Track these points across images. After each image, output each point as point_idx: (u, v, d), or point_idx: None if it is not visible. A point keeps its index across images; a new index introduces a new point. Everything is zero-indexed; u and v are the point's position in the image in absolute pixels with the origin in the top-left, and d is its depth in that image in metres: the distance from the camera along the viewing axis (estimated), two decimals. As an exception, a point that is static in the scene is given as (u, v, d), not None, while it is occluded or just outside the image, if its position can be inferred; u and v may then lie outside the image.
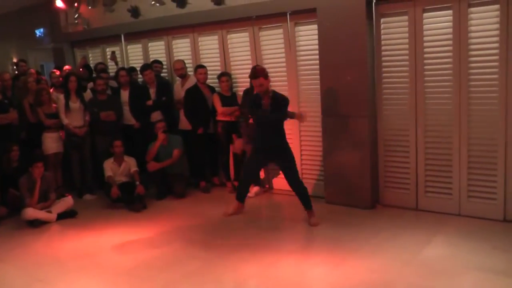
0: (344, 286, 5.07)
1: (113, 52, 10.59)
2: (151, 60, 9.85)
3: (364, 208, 7.37)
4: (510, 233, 6.23)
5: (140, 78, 9.84)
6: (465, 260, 5.47)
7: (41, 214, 7.59)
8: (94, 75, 10.01)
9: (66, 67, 10.42)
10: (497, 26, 6.29)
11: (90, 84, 9.63)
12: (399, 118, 7.23)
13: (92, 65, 10.80)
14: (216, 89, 8.82)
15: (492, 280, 5.00)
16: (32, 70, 9.99)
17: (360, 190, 7.45)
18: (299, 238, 6.66)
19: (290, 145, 8.36)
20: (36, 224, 7.47)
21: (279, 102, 6.90)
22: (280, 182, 8.63)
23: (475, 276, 5.09)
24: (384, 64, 7.24)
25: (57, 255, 6.39)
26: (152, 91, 9.12)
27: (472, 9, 6.44)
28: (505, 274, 5.11)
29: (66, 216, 7.80)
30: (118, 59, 10.54)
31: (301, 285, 5.19)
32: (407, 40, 6.97)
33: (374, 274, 5.26)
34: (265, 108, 6.90)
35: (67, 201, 7.95)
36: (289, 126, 8.26)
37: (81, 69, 10.36)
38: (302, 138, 8.23)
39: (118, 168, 8.49)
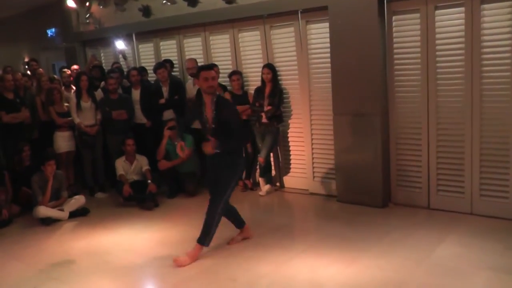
0: (355, 285, 5.05)
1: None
2: (163, 59, 9.84)
3: (376, 207, 7.34)
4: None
5: (150, 78, 9.88)
6: (477, 260, 5.43)
7: (53, 212, 7.64)
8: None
9: (74, 66, 10.47)
10: (509, 23, 6.25)
11: (102, 83, 9.67)
12: (411, 116, 7.20)
13: (103, 65, 10.87)
14: (228, 87, 8.82)
15: (504, 280, 4.97)
16: (41, 70, 10.02)
17: (372, 189, 7.42)
18: (311, 236, 6.64)
19: (301, 144, 8.40)
20: (48, 222, 7.52)
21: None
22: (291, 180, 8.65)
23: (487, 275, 5.06)
24: (396, 61, 7.20)
25: (70, 253, 6.42)
26: (165, 90, 9.14)
27: (485, 6, 6.39)
28: (518, 273, 5.09)
29: (78, 214, 7.85)
30: (130, 58, 10.60)
31: (313, 284, 5.16)
32: (419, 38, 6.93)
33: (386, 274, 5.24)
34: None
35: (79, 200, 8.00)
36: (300, 125, 8.27)
37: (91, 68, 10.40)
38: (313, 136, 8.21)
39: (130, 167, 8.53)
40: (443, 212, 7.00)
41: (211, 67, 5.92)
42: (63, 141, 8.79)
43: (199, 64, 9.17)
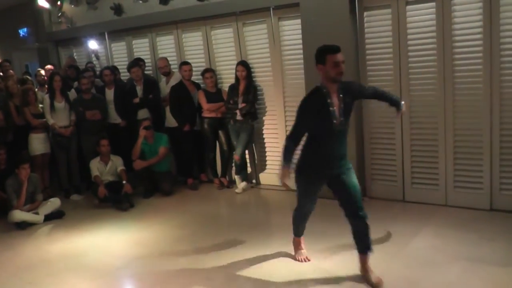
0: (332, 279, 5.10)
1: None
2: (135, 58, 9.77)
3: (352, 201, 7.38)
4: (497, 222, 6.28)
5: (123, 77, 9.82)
6: (452, 251, 5.50)
7: (28, 216, 7.56)
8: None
9: (48, 66, 10.36)
10: (480, 17, 6.32)
11: (75, 84, 9.59)
12: (384, 110, 7.21)
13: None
14: (201, 85, 8.81)
15: (479, 269, 5.04)
16: (11, 72, 9.88)
17: (347, 184, 7.45)
18: (288, 233, 6.61)
19: (276, 140, 8.41)
20: (24, 226, 7.44)
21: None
22: (267, 177, 8.65)
23: (462, 266, 5.12)
24: (368, 57, 7.24)
25: (46, 257, 6.37)
26: (139, 89, 9.08)
27: (455, 1, 6.46)
28: (492, 263, 5.15)
29: (54, 217, 7.77)
30: (102, 58, 10.54)
31: (290, 279, 5.19)
32: (391, 33, 6.98)
33: (362, 267, 5.29)
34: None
35: (54, 202, 7.93)
36: (275, 121, 8.29)
37: (67, 69, 10.30)
38: (288, 132, 8.19)
39: (105, 167, 8.47)
40: (418, 205, 7.06)
41: (339, 48, 4.79)
42: (38, 143, 8.69)
43: (172, 62, 9.16)
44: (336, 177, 4.93)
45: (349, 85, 4.95)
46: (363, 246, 5.04)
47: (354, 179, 4.96)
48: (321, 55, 4.78)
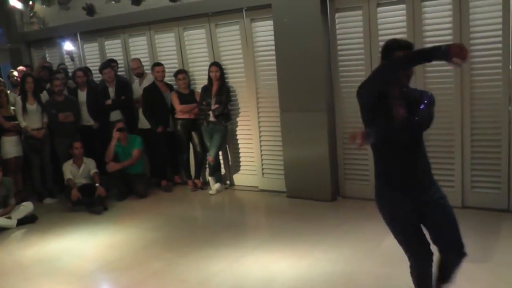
0: (306, 279, 5.14)
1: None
2: (107, 59, 9.71)
3: (325, 201, 7.44)
4: (469, 219, 6.28)
5: (95, 78, 9.76)
6: (424, 248, 5.57)
7: (0, 221, 7.46)
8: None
9: (21, 67, 10.25)
10: (450, 19, 6.44)
11: (48, 85, 9.49)
12: (357, 111, 7.16)
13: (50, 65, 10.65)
14: (175, 87, 8.79)
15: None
16: None
17: (320, 183, 7.51)
18: (263, 233, 6.70)
19: (250, 141, 8.43)
20: (-4, 231, 7.37)
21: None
22: (240, 178, 8.67)
23: (434, 262, 5.17)
24: (340, 58, 7.31)
25: (19, 262, 6.31)
26: (111, 90, 9.02)
27: (426, 3, 6.57)
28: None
29: (27, 221, 7.66)
30: (77, 59, 10.45)
31: (265, 280, 5.22)
32: (362, 34, 7.05)
33: (336, 266, 5.35)
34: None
35: (27, 206, 7.83)
36: (248, 122, 8.30)
37: (40, 70, 10.20)
38: (261, 134, 8.25)
39: (78, 170, 8.40)
40: (390, 204, 7.12)
41: (411, 45, 3.74)
42: (11, 146, 8.55)
43: (145, 63, 9.12)
44: (425, 205, 3.88)
45: (417, 90, 4.00)
46: (451, 278, 4.16)
47: (451, 209, 3.93)
48: (389, 50, 3.77)
